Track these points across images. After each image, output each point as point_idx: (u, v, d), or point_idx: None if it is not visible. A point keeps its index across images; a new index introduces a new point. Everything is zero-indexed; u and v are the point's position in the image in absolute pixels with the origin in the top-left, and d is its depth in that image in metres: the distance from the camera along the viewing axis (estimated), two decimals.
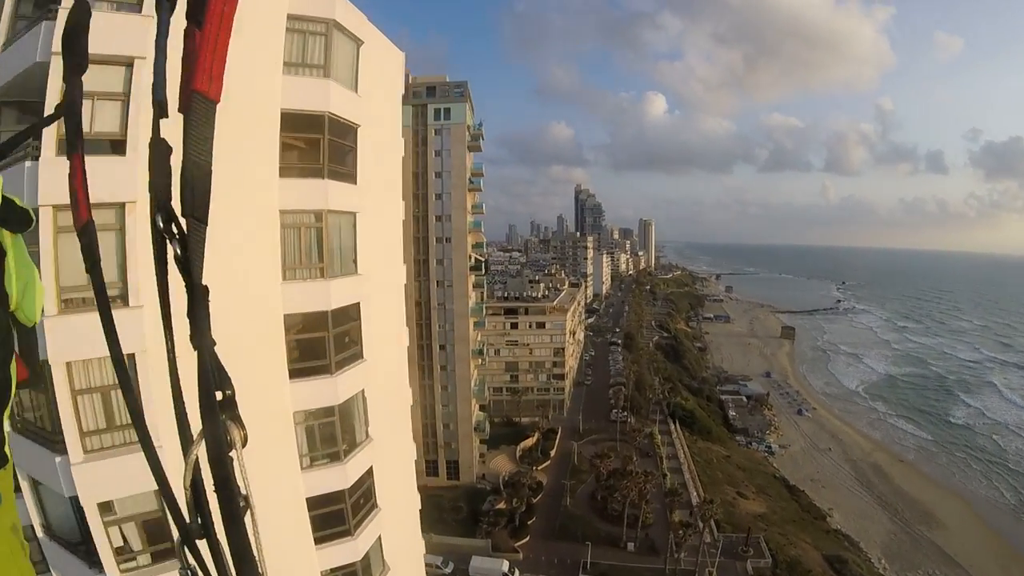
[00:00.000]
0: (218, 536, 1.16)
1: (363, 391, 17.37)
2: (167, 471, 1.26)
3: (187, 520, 1.23)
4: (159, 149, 1.14)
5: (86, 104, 11.75)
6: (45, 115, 1.65)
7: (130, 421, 13.08)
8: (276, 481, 15.08)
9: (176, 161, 1.11)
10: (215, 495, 1.11)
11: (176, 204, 1.11)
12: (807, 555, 66.87)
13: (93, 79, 11.82)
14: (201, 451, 1.14)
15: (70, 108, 1.40)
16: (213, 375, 1.11)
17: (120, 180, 11.64)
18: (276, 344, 14.66)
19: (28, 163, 11.28)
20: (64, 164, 1.37)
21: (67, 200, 1.42)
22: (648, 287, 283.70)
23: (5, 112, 14.10)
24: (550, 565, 61.70)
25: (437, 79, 73.19)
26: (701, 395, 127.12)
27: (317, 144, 15.39)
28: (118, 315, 9.61)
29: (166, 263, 1.16)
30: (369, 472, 18.13)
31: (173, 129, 1.08)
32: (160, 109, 1.14)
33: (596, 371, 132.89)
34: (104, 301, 1.42)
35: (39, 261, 11.18)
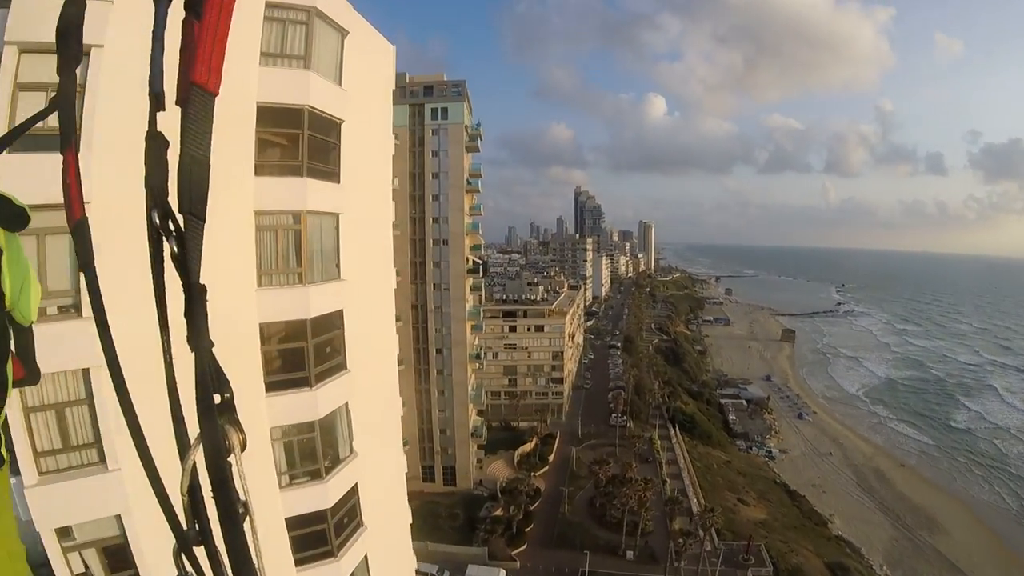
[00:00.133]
0: (216, 543, 1.15)
1: (347, 404, 16.28)
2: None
3: (184, 527, 1.22)
4: (156, 143, 1.12)
5: (36, 96, 10.79)
6: (38, 110, 1.55)
7: (91, 440, 12.20)
8: (252, 501, 13.90)
9: (173, 156, 1.09)
10: (213, 501, 1.09)
11: (172, 200, 1.10)
12: (809, 563, 66.03)
13: (45, 69, 10.87)
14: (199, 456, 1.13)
15: (64, 102, 1.39)
16: (211, 377, 1.10)
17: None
18: (251, 355, 13.59)
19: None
20: (57, 160, 1.35)
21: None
22: (648, 289, 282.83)
23: None
24: (548, 574, 60.55)
25: (434, 78, 72.14)
26: (701, 399, 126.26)
27: (296, 140, 14.31)
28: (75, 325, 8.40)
29: (162, 261, 1.14)
30: (354, 489, 17.07)
31: (166, 123, 1.07)
32: (157, 101, 1.12)
33: (595, 374, 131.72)
34: (98, 303, 1.41)
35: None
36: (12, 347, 1.86)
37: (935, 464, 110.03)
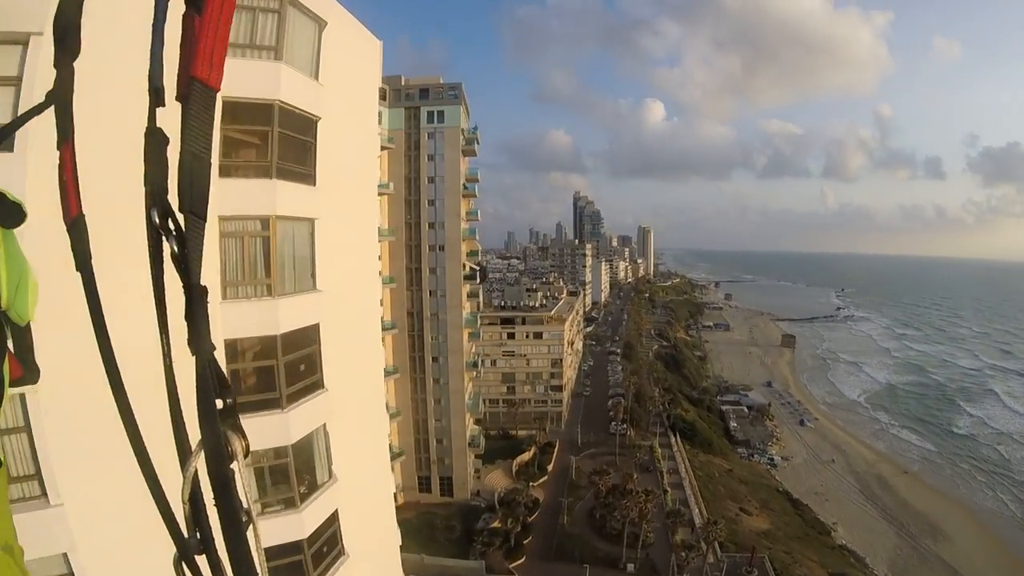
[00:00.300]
0: (218, 552, 1.15)
1: (324, 426, 14.99)
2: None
3: (185, 535, 1.21)
4: (155, 139, 1.11)
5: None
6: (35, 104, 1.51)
7: (31, 472, 11.01)
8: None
9: (172, 153, 1.08)
10: (215, 509, 1.09)
11: (172, 198, 1.08)
12: (813, 574, 65.00)
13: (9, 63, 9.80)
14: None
15: (61, 96, 1.36)
16: (213, 382, 1.09)
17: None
18: None
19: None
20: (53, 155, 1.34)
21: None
22: (647, 295, 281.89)
23: None
24: None
25: (430, 80, 71.00)
26: (701, 405, 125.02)
27: (266, 138, 13.06)
28: None
29: (162, 262, 1.12)
30: (334, 516, 15.77)
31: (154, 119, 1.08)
32: (157, 97, 1.12)
33: (595, 381, 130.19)
34: (95, 303, 1.38)
35: None
36: (10, 346, 1.83)
37: (938, 471, 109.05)
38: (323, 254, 14.70)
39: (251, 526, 1.12)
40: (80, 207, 1.36)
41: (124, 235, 4.49)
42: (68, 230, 1.36)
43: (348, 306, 16.63)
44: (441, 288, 70.83)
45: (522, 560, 62.75)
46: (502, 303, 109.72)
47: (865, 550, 79.12)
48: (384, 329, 65.33)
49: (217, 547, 1.12)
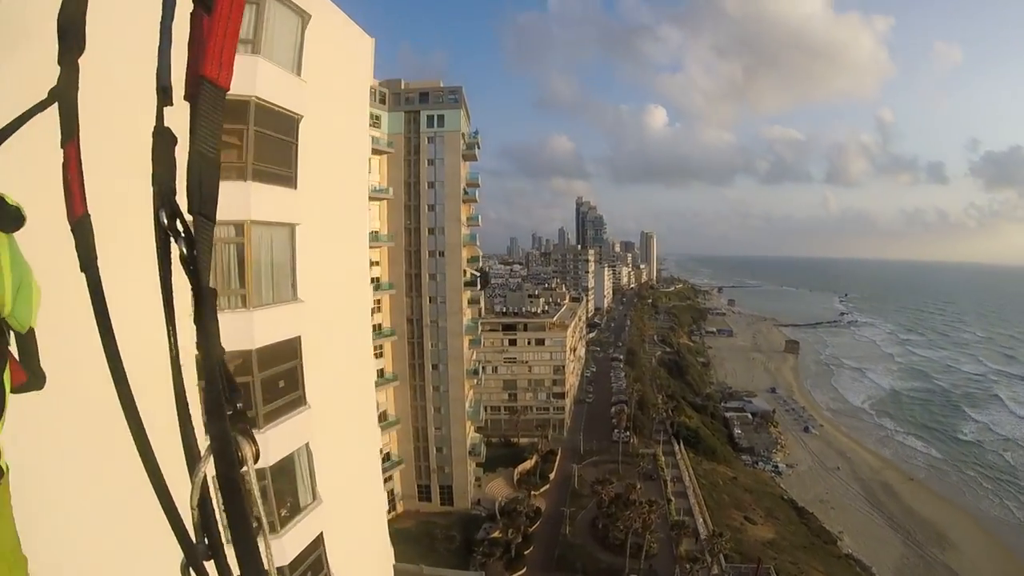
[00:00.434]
0: (227, 558, 1.15)
1: (307, 445, 14.03)
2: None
3: (193, 541, 1.21)
4: (163, 139, 1.10)
5: None
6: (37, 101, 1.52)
7: None
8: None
9: (181, 153, 1.07)
10: (224, 515, 1.08)
11: (180, 199, 1.07)
12: None
13: None
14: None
15: (65, 93, 1.35)
16: (223, 385, 1.09)
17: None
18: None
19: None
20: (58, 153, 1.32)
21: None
22: (650, 301, 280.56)
23: None
24: None
25: (430, 84, 70.09)
26: (705, 412, 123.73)
27: (240, 137, 12.15)
28: None
29: (170, 263, 1.12)
30: (318, 539, 14.80)
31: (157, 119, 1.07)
32: (165, 96, 1.10)
33: (598, 388, 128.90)
34: (101, 304, 1.38)
35: None
36: (13, 352, 1.82)
37: (943, 477, 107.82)
38: (306, 262, 13.77)
39: (261, 533, 1.10)
40: (85, 206, 1.34)
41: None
42: (72, 229, 1.34)
43: (335, 317, 15.71)
44: (441, 294, 69.85)
45: (523, 571, 61.55)
46: (504, 309, 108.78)
47: (871, 559, 77.83)
48: (383, 336, 64.70)
49: (226, 553, 1.11)
